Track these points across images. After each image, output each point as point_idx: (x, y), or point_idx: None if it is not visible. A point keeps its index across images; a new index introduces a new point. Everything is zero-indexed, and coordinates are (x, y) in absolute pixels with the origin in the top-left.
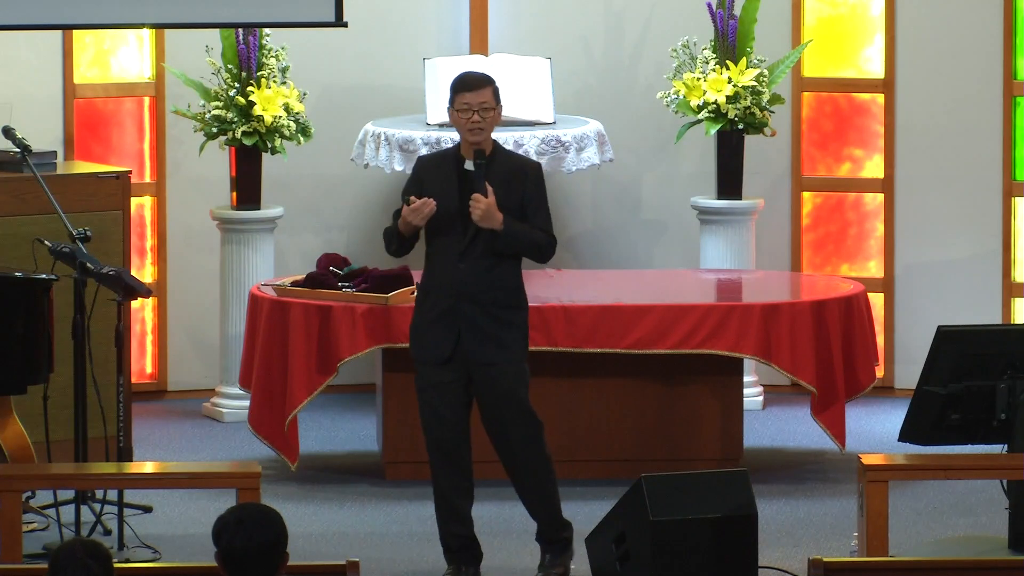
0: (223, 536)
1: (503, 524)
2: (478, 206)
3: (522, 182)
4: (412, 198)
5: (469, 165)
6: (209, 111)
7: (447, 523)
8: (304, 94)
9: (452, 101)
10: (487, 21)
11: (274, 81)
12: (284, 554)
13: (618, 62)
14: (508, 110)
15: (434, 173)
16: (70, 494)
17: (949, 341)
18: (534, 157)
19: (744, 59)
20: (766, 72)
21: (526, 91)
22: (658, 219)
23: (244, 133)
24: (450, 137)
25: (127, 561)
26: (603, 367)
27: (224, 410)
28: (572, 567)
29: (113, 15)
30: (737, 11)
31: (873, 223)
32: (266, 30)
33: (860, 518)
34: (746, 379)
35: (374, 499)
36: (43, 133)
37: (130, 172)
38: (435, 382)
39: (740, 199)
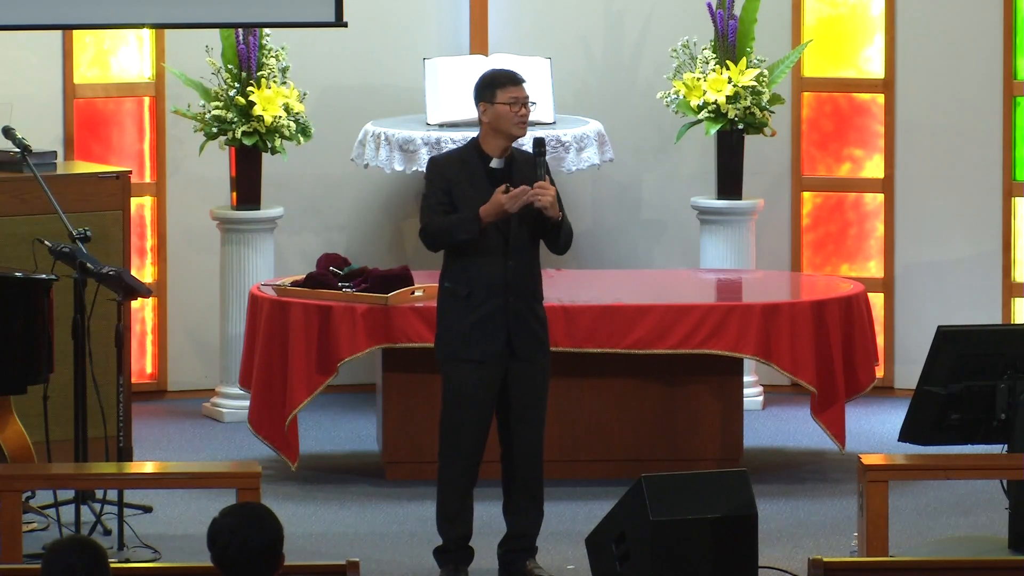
0: (218, 542)
1: (501, 525)
2: (547, 194)
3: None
4: (507, 185)
5: (495, 163)
6: (209, 111)
7: (456, 524)
8: (304, 94)
9: (493, 95)
10: (487, 21)
11: (274, 81)
12: (280, 555)
13: (618, 62)
14: None
15: (460, 173)
16: (70, 494)
17: (949, 341)
18: None
19: (744, 59)
20: (766, 72)
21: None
22: (658, 219)
23: (244, 133)
24: (450, 137)
25: (127, 561)
26: (603, 367)
27: (224, 410)
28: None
29: (113, 15)
30: (737, 11)
31: (873, 223)
32: (266, 30)
33: (860, 518)
34: (746, 379)
35: (374, 499)
36: (43, 133)
37: (130, 172)
38: (479, 382)
39: (740, 199)
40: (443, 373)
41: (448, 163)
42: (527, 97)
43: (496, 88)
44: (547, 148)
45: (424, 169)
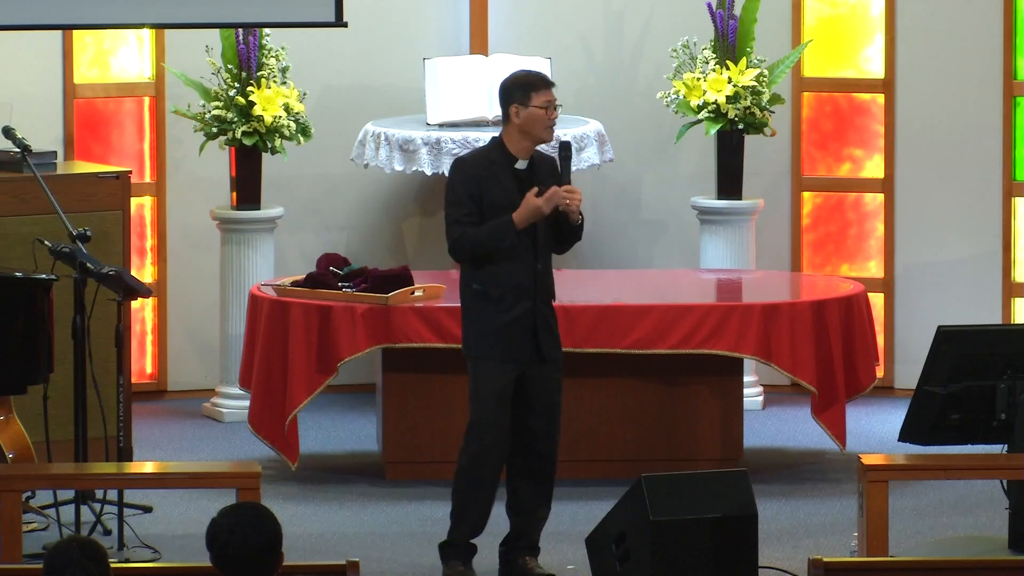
0: (216, 542)
1: (501, 524)
2: (576, 197)
3: (557, 176)
4: (537, 188)
5: (520, 164)
6: (209, 111)
7: (474, 526)
8: (304, 94)
9: (528, 98)
10: (487, 21)
11: (274, 81)
12: (279, 554)
13: (618, 62)
14: None
15: (487, 172)
16: (70, 494)
17: (949, 341)
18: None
19: (744, 59)
20: (766, 72)
21: None
22: (658, 219)
23: (244, 133)
24: (450, 137)
25: (127, 561)
26: (603, 367)
27: (224, 410)
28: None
29: (113, 15)
30: (737, 11)
31: (873, 223)
32: (266, 30)
33: (860, 518)
34: (746, 379)
35: (374, 499)
36: (43, 133)
37: (130, 172)
38: (509, 381)
39: (740, 199)
40: (473, 373)
41: (475, 163)
42: (555, 100)
43: (531, 91)
44: (548, 150)
45: (425, 167)
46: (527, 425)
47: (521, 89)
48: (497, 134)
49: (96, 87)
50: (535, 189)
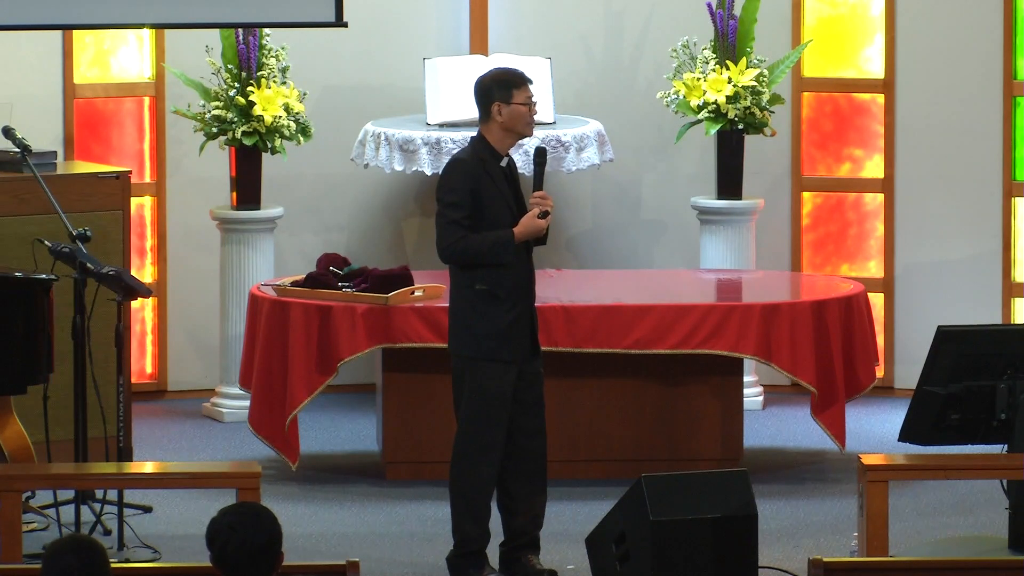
0: (216, 541)
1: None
2: (547, 203)
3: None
4: (539, 211)
5: (504, 162)
6: (209, 111)
7: (486, 525)
8: (304, 94)
9: (510, 95)
10: (487, 21)
11: (274, 81)
12: (279, 554)
13: (618, 62)
14: None
15: (483, 173)
16: (70, 494)
17: (949, 341)
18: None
19: (744, 59)
20: (766, 72)
21: None
22: (658, 219)
23: (244, 133)
24: (450, 137)
25: (127, 561)
26: (603, 367)
27: (224, 410)
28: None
29: (113, 15)
30: (737, 11)
31: (873, 223)
32: (266, 30)
33: (860, 518)
34: (746, 379)
35: (374, 499)
36: (43, 133)
37: (130, 172)
38: (510, 381)
39: (740, 199)
40: (476, 373)
41: (472, 164)
42: (533, 96)
43: (512, 88)
44: (548, 149)
45: (425, 167)
46: (518, 424)
47: (502, 87)
48: (475, 133)
49: (96, 87)
50: (536, 210)
